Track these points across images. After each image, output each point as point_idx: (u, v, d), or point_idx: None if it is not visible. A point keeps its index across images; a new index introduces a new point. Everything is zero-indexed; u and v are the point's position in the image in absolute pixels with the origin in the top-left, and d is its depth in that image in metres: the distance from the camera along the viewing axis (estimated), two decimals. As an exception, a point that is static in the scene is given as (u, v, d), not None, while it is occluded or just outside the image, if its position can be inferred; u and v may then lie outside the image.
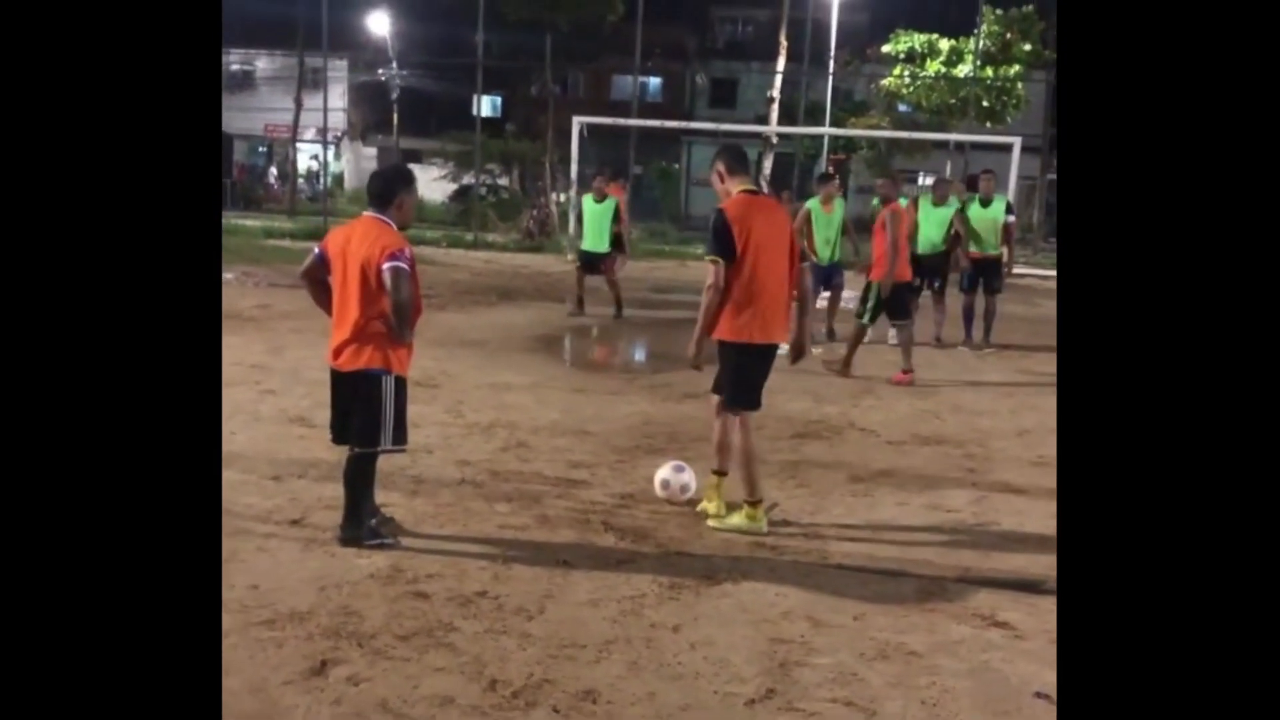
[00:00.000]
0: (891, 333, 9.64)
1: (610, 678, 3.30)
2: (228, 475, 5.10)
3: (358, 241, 4.20)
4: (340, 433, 4.39)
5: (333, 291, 4.31)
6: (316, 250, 4.37)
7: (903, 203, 10.45)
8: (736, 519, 4.77)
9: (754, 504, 4.76)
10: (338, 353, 4.24)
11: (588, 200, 12.26)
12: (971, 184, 11.65)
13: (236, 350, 8.17)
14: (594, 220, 11.92)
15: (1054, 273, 19.08)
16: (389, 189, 4.32)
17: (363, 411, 4.23)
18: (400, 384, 4.27)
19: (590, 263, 11.97)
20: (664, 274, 17.66)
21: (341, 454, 4.47)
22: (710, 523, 4.80)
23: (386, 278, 4.09)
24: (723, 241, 4.60)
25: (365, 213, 4.32)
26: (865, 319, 8.77)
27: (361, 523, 4.29)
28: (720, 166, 4.82)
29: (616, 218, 12.03)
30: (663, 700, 3.18)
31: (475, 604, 3.80)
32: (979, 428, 7.16)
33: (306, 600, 3.75)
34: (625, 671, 3.34)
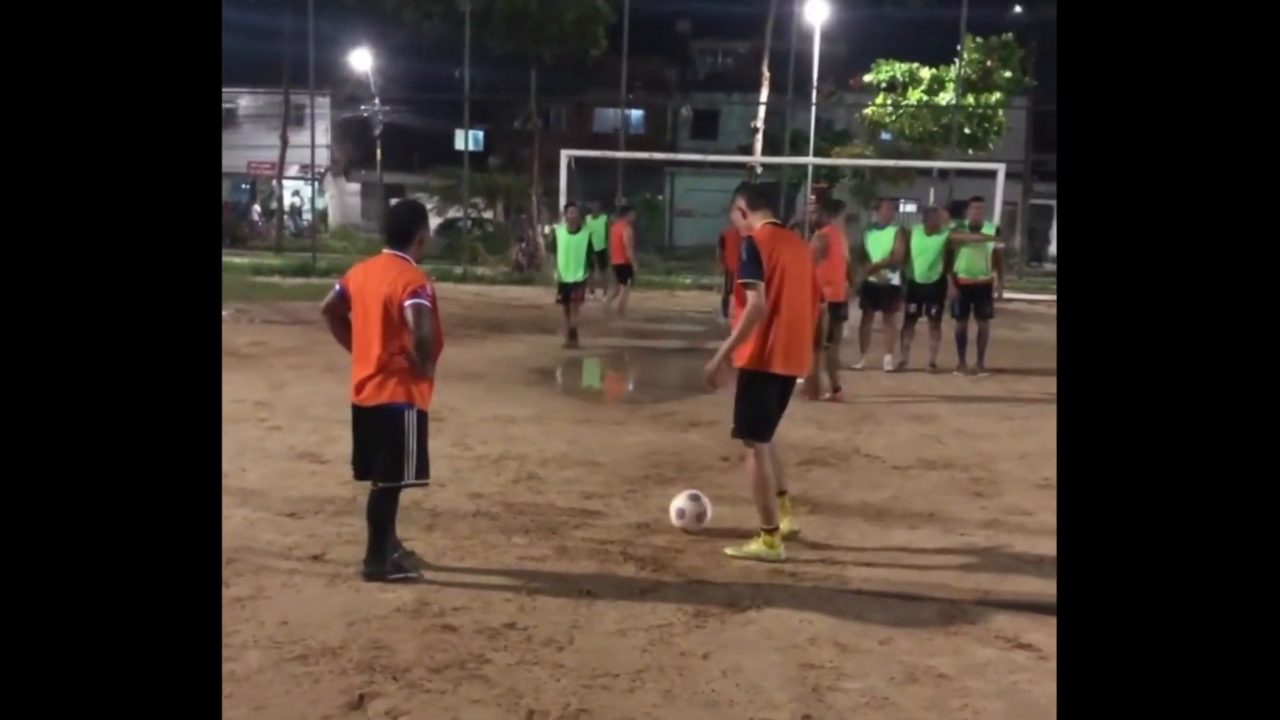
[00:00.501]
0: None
1: (646, 706, 3.31)
2: (244, 513, 5.11)
3: (378, 278, 4.24)
4: (362, 469, 4.39)
5: (353, 327, 4.34)
6: (337, 287, 4.40)
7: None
8: (754, 546, 4.80)
9: (770, 531, 4.80)
10: (360, 388, 4.27)
11: (561, 231, 12.40)
12: (956, 210, 11.81)
13: (238, 387, 8.16)
14: (569, 250, 12.04)
15: (1039, 297, 19.32)
16: (409, 227, 4.37)
17: (386, 446, 4.24)
18: (422, 418, 4.29)
19: (567, 293, 12.07)
20: (654, 304, 17.78)
21: (356, 488, 4.48)
22: (728, 550, 4.82)
23: (409, 314, 4.13)
24: (755, 264, 4.64)
25: (384, 250, 4.36)
26: (824, 340, 8.87)
27: (385, 557, 4.30)
28: (741, 203, 4.91)
29: (590, 248, 12.15)
30: (700, 728, 3.20)
31: (504, 636, 3.81)
32: (982, 451, 7.23)
33: (337, 635, 3.75)
34: (660, 700, 3.36)
